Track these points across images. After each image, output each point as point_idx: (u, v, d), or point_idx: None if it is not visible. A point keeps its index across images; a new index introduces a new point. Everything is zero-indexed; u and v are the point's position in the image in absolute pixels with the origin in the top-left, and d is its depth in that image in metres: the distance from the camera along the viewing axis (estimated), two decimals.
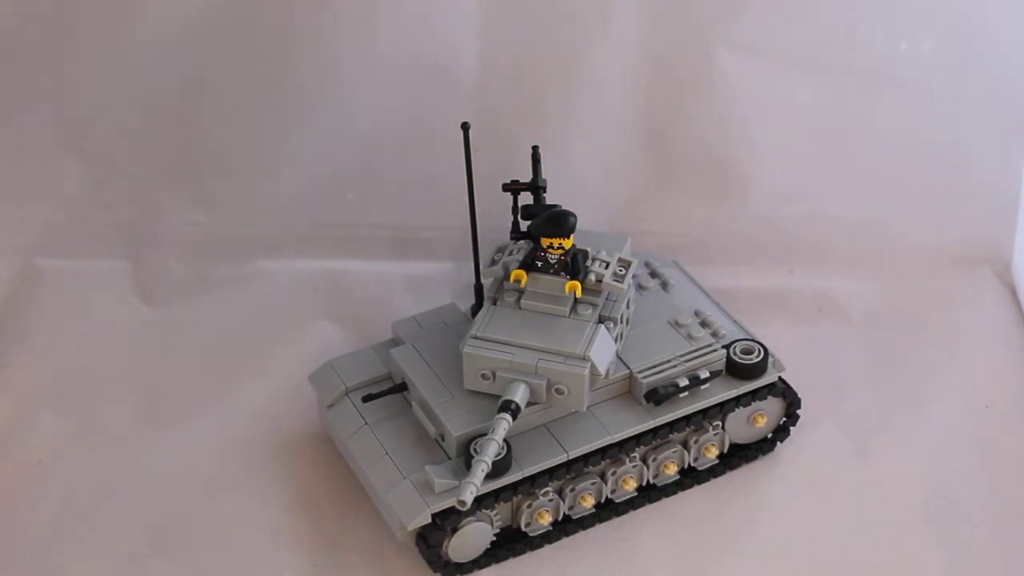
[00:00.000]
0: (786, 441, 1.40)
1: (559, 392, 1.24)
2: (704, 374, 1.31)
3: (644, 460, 1.32)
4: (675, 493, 1.35)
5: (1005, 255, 1.63)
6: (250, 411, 1.44)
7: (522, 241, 1.32)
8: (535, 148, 1.34)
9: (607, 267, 1.29)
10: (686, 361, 1.32)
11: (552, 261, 1.28)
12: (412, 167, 1.60)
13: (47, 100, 1.56)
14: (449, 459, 1.26)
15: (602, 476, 1.31)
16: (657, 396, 1.29)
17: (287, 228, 1.63)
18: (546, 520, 1.29)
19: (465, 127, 1.28)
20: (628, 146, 1.60)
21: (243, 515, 1.34)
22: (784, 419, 1.39)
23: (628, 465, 1.31)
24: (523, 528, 1.29)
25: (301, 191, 1.61)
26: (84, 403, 1.45)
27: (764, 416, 1.37)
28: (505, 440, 1.22)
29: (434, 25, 1.52)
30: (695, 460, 1.36)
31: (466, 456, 1.22)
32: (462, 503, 1.15)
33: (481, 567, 1.28)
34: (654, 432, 1.30)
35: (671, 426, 1.31)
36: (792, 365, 1.38)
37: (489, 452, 1.18)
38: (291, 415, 1.43)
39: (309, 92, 1.55)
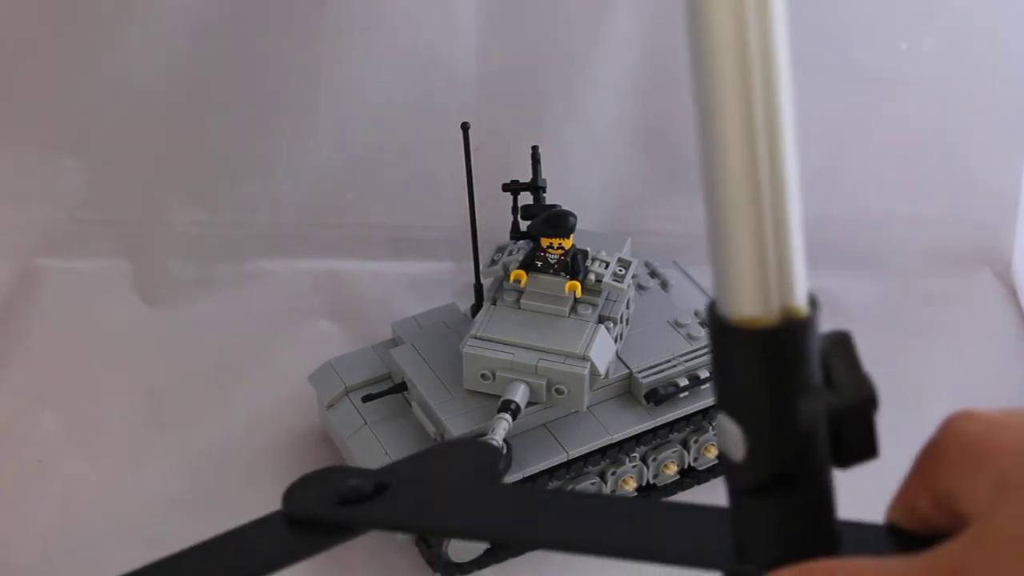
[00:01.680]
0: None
1: (559, 392, 1.24)
2: (704, 374, 1.31)
3: (644, 460, 1.32)
4: (675, 493, 1.36)
5: (1005, 255, 1.63)
6: (250, 411, 1.44)
7: (522, 241, 1.32)
8: (535, 148, 1.34)
9: (607, 267, 1.29)
10: (686, 361, 1.32)
11: (552, 261, 1.28)
12: (412, 167, 1.60)
13: (47, 100, 1.56)
14: None
15: (602, 476, 1.31)
16: (657, 396, 1.29)
17: (287, 228, 1.63)
18: None
19: (465, 127, 1.28)
20: (628, 146, 1.60)
21: (242, 514, 1.33)
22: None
23: (628, 465, 1.31)
24: None
25: (301, 191, 1.61)
26: (84, 403, 1.45)
27: None
28: (505, 440, 1.22)
29: (434, 25, 1.52)
30: (695, 460, 1.36)
31: None
32: None
33: (481, 567, 1.28)
34: (654, 432, 1.30)
35: (671, 426, 1.31)
36: None
37: None
38: (291, 415, 1.43)
39: (309, 92, 1.55)
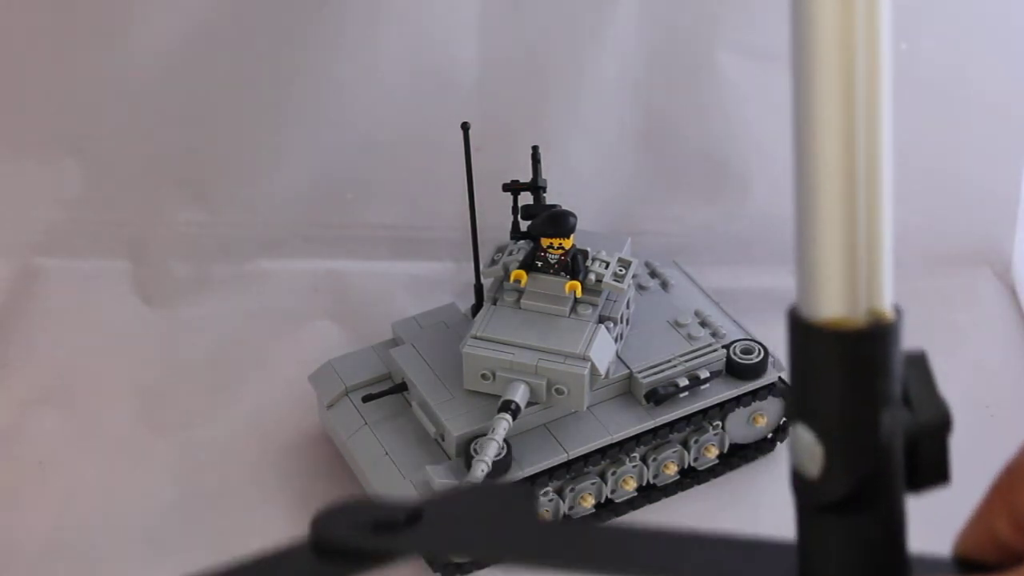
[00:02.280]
0: (786, 441, 1.40)
1: (559, 392, 1.24)
2: (704, 374, 1.31)
3: (644, 460, 1.32)
4: (675, 493, 1.35)
5: (1005, 255, 1.63)
6: (250, 411, 1.44)
7: (522, 241, 1.32)
8: (535, 148, 1.34)
9: (607, 267, 1.29)
10: (686, 361, 1.32)
11: (552, 261, 1.28)
12: (412, 167, 1.60)
13: (47, 100, 1.56)
14: (449, 459, 1.26)
15: (602, 476, 1.31)
16: (657, 396, 1.29)
17: (287, 228, 1.63)
18: None
19: (465, 127, 1.28)
20: (628, 146, 1.59)
21: (243, 515, 1.34)
22: (784, 419, 1.39)
23: (628, 465, 1.31)
24: None
25: (301, 191, 1.61)
26: (84, 403, 1.45)
27: (764, 416, 1.37)
28: (505, 440, 1.22)
29: (434, 25, 1.52)
30: (695, 460, 1.36)
31: (466, 456, 1.22)
32: None
33: (481, 567, 1.28)
34: (654, 432, 1.30)
35: (671, 426, 1.31)
36: None
37: (489, 452, 1.18)
38: (291, 415, 1.43)
39: (309, 92, 1.55)
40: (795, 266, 0.55)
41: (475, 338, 1.26)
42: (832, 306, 0.53)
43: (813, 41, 0.52)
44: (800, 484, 0.56)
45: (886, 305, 0.54)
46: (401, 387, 1.33)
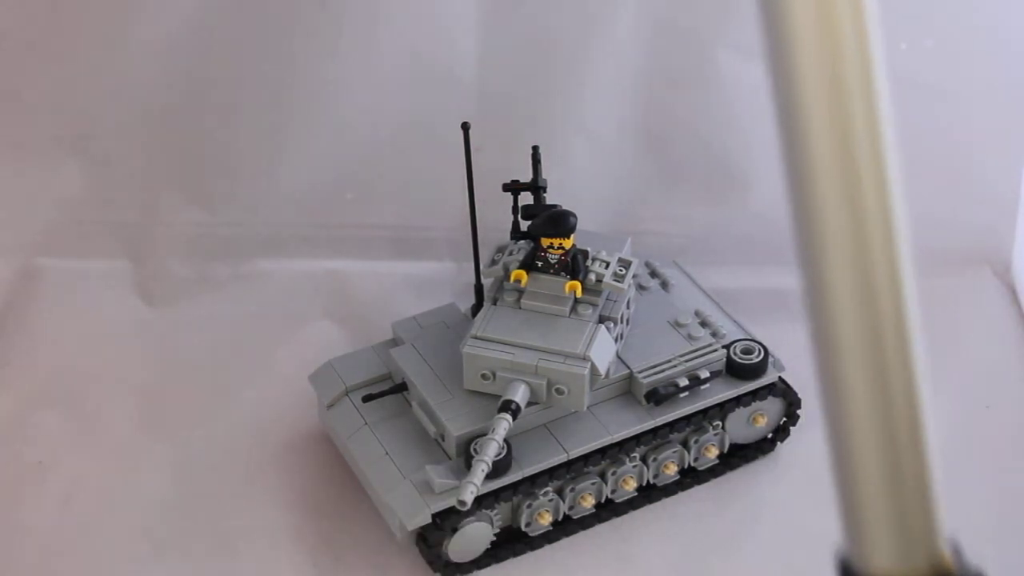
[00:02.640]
0: (786, 441, 1.40)
1: (559, 392, 1.24)
2: (704, 374, 1.31)
3: (644, 460, 1.32)
4: (675, 493, 1.35)
5: (1005, 255, 1.63)
6: (250, 411, 1.44)
7: (522, 241, 1.32)
8: (535, 148, 1.34)
9: (607, 267, 1.29)
10: (686, 361, 1.32)
11: (552, 261, 1.28)
12: (412, 167, 1.60)
13: (47, 100, 1.56)
14: (449, 459, 1.26)
15: (602, 476, 1.31)
16: (657, 396, 1.29)
17: (287, 228, 1.63)
18: (546, 520, 1.29)
19: (465, 127, 1.28)
20: (628, 146, 1.60)
21: (243, 515, 1.34)
22: (784, 419, 1.39)
23: (628, 465, 1.31)
24: (523, 528, 1.29)
25: (301, 191, 1.61)
26: (84, 403, 1.45)
27: (764, 416, 1.37)
28: (505, 440, 1.22)
29: (434, 25, 1.52)
30: (695, 460, 1.36)
31: (466, 456, 1.22)
32: (462, 503, 1.15)
33: (481, 567, 1.28)
34: (654, 432, 1.30)
35: (671, 426, 1.31)
36: (792, 365, 1.38)
37: (489, 452, 1.18)
38: (291, 415, 1.43)
39: (309, 92, 1.55)
40: (838, 510, 0.49)
41: (475, 338, 1.26)
42: (886, 559, 0.48)
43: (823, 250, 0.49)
44: None
45: (944, 546, 0.49)
46: (401, 387, 1.33)
